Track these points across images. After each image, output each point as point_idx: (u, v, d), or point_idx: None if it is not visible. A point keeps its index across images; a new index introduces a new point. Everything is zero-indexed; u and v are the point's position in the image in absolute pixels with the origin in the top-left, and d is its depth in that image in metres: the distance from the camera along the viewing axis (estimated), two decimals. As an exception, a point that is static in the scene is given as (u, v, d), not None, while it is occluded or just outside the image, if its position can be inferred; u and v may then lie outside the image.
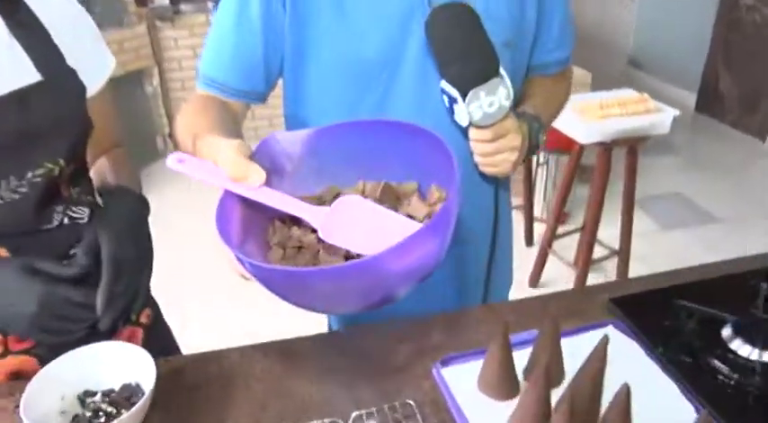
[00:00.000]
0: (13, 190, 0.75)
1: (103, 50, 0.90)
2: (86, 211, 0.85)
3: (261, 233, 0.74)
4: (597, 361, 0.69)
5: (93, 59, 0.86)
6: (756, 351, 0.79)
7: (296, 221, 0.73)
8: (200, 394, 0.78)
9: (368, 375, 0.80)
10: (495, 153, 0.86)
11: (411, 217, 0.72)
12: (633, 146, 2.20)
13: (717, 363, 0.79)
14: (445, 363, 0.80)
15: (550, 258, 2.58)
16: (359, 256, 0.67)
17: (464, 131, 0.88)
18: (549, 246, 2.53)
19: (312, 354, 0.85)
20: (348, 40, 0.86)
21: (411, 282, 0.64)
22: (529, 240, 2.92)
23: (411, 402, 0.75)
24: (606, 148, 2.17)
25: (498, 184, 0.98)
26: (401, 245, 0.57)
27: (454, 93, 0.82)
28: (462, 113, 0.83)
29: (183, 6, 3.76)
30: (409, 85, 0.89)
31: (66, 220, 0.82)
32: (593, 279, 2.52)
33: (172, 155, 0.66)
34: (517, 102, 0.97)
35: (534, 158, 2.92)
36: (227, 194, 0.67)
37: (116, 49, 3.25)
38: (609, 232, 2.56)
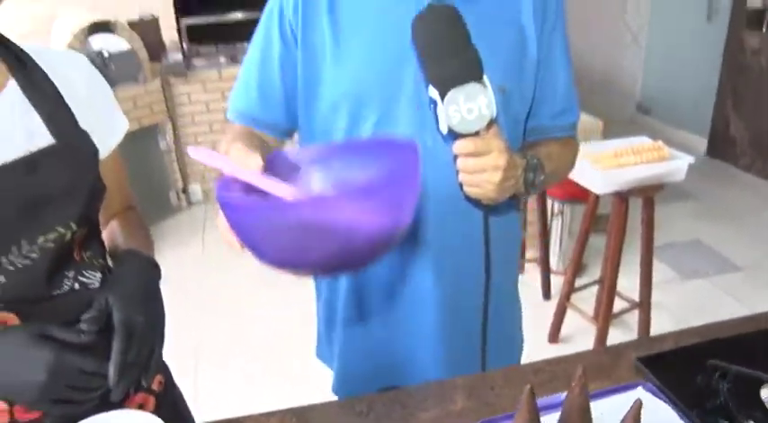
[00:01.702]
0: (25, 256, 0.73)
1: (117, 112, 0.90)
2: (97, 275, 0.83)
3: None
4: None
5: (106, 122, 0.86)
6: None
7: None
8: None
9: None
10: (477, 170, 0.83)
11: None
12: (649, 194, 2.18)
13: (757, 427, 0.75)
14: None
15: (569, 312, 2.52)
16: None
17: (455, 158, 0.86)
18: (568, 299, 2.48)
19: (331, 420, 0.82)
20: (345, 78, 0.92)
21: (371, 240, 0.68)
22: (546, 294, 2.87)
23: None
24: (623, 197, 2.15)
25: (488, 217, 0.93)
26: (359, 188, 0.71)
27: (434, 95, 0.81)
28: (442, 118, 0.82)
29: (195, 62, 3.85)
30: (406, 114, 0.93)
31: (76, 286, 0.80)
32: (614, 333, 2.46)
33: (191, 147, 0.75)
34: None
35: (549, 209, 2.90)
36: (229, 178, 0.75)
37: (130, 105, 3.31)
38: (627, 282, 2.51)
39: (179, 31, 3.81)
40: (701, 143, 4.60)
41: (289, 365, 2.40)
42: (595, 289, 2.56)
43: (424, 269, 1.00)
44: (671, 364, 0.88)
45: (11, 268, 0.73)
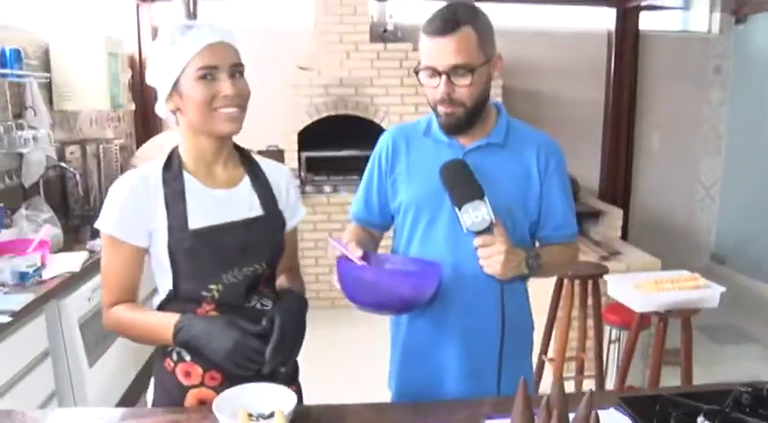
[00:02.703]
0: (234, 277, 1.27)
1: (299, 204, 1.47)
2: (270, 303, 1.34)
3: None
4: None
5: (292, 208, 1.43)
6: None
7: None
8: None
9: None
10: (487, 255, 1.31)
11: None
12: (686, 317, 2.49)
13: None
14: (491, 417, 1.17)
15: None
16: None
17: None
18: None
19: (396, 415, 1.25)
20: (412, 195, 1.48)
21: (403, 298, 1.32)
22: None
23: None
24: (661, 317, 2.48)
25: (504, 292, 1.39)
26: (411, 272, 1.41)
27: (456, 209, 1.32)
28: (462, 221, 1.32)
29: (307, 188, 4.54)
30: (445, 218, 1.43)
31: (258, 306, 1.31)
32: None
33: (331, 239, 1.34)
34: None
35: (606, 337, 3.19)
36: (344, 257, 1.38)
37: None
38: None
39: (299, 161, 4.58)
40: (775, 293, 4.73)
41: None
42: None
43: (456, 322, 1.46)
44: (643, 402, 1.25)
45: (226, 282, 1.27)
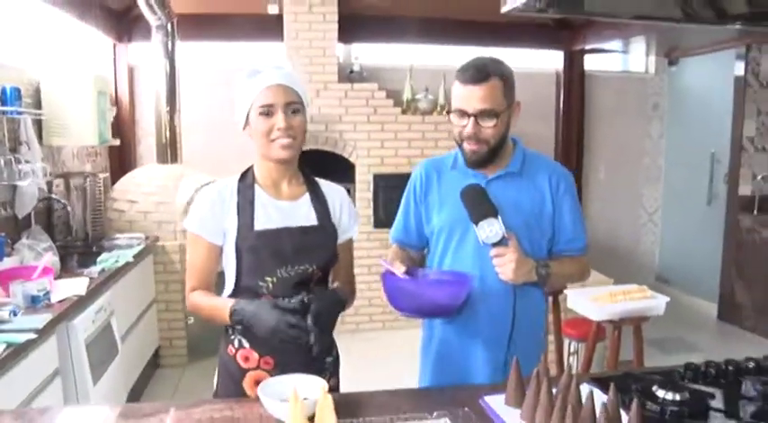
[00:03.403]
0: (287, 272, 1.51)
1: (353, 221, 1.70)
2: None
3: None
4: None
5: (346, 222, 1.67)
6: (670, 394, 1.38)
7: None
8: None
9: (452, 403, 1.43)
10: (500, 264, 1.57)
11: None
12: (638, 324, 2.81)
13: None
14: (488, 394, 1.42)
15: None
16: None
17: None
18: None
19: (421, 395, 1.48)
20: (443, 219, 1.73)
21: (439, 305, 1.58)
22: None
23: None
24: (616, 325, 2.78)
25: (516, 295, 1.66)
26: (446, 281, 1.66)
27: (473, 225, 1.59)
28: (479, 235, 1.58)
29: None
30: (471, 237, 1.65)
31: (305, 300, 1.49)
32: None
33: (383, 261, 1.65)
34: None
35: (566, 350, 3.49)
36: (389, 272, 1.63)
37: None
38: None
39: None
40: (713, 308, 5.15)
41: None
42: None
43: (482, 325, 1.70)
44: (608, 379, 1.51)
45: (279, 276, 1.51)
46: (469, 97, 1.58)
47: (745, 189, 4.94)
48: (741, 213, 4.90)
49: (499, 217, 1.57)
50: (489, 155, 1.65)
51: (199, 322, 3.88)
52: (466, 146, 1.64)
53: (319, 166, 4.76)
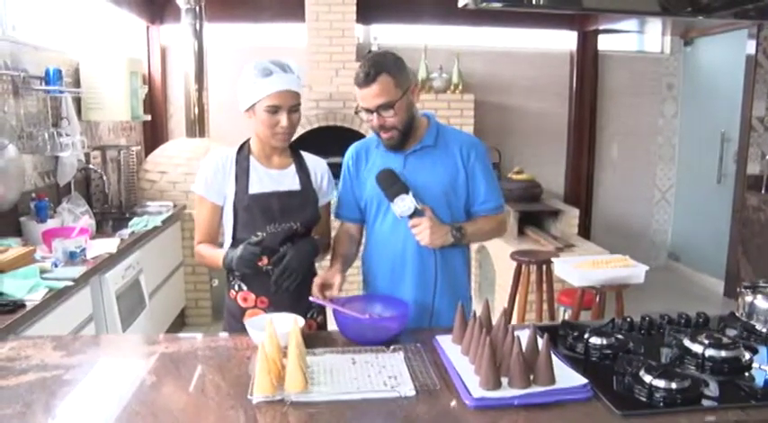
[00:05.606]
0: (275, 228, 1.82)
1: (331, 187, 2.00)
2: None
3: None
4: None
5: (324, 189, 1.97)
6: (598, 340, 1.61)
7: None
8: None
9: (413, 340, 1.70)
10: (417, 232, 1.81)
11: None
12: (619, 291, 3.02)
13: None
14: (441, 334, 1.68)
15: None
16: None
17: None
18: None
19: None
20: (368, 191, 1.95)
21: (388, 332, 1.66)
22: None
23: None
24: (598, 291, 3.00)
25: (437, 256, 1.90)
26: (386, 317, 1.74)
27: (390, 203, 1.83)
28: (394, 211, 1.83)
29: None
30: (390, 209, 1.88)
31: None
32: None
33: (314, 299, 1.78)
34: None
35: (560, 317, 3.70)
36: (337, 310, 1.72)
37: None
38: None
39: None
40: (720, 285, 5.28)
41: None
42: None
43: (404, 281, 1.94)
44: (550, 328, 1.75)
45: (269, 231, 1.80)
46: (366, 97, 1.81)
47: (753, 168, 5.02)
48: (749, 192, 4.99)
49: (410, 192, 1.82)
50: (401, 137, 1.87)
51: (222, 285, 4.22)
52: (381, 134, 1.88)
53: (338, 140, 5.14)
